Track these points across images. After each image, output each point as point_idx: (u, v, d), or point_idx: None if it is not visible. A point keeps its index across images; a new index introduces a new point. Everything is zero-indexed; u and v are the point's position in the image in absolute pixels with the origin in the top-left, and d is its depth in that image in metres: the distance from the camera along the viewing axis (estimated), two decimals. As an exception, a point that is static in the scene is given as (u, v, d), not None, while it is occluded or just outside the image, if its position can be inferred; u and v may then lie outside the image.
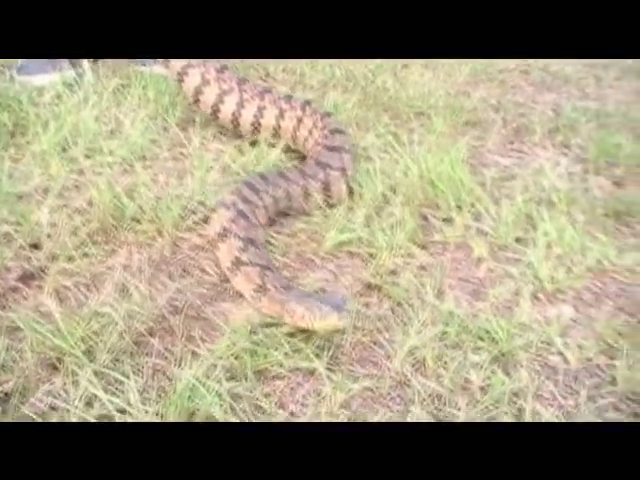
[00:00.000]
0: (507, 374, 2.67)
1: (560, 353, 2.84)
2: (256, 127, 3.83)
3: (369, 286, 3.06)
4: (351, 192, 3.63)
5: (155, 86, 4.31)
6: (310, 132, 3.91)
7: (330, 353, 2.60)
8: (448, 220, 3.51)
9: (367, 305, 2.95)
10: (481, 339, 2.80)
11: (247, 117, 3.82)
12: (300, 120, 3.96)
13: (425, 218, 3.55)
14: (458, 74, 5.35)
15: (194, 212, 3.28)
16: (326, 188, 3.55)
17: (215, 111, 3.80)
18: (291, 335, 2.63)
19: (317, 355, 2.58)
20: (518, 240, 3.44)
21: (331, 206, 3.54)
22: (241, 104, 3.77)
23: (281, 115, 3.97)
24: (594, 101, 5.36)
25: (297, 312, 2.46)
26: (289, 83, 4.95)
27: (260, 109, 3.93)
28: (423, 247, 3.35)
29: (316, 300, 2.45)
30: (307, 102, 4.07)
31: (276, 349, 2.56)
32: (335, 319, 2.40)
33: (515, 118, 4.82)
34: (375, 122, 4.38)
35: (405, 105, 4.71)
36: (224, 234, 2.99)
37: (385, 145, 4.12)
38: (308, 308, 2.42)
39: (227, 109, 3.79)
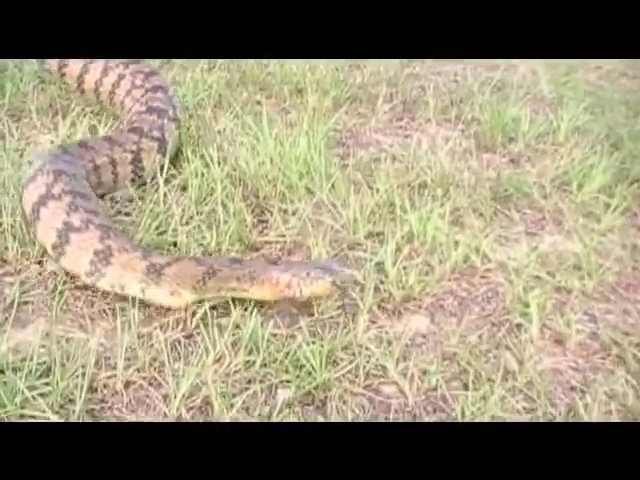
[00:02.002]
0: (322, 414, 1.91)
1: (395, 382, 2.05)
2: (80, 83, 3.52)
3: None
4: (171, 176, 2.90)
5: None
6: (129, 92, 3.28)
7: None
8: (293, 213, 2.71)
9: (161, 328, 2.17)
10: (290, 369, 2.02)
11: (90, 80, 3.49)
12: (121, 77, 3.36)
13: (265, 212, 2.75)
14: (352, 46, 4.50)
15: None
16: (137, 159, 2.84)
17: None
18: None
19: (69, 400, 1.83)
20: (371, 235, 2.66)
21: (142, 184, 2.86)
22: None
23: (105, 73, 3.41)
24: (504, 71, 4.54)
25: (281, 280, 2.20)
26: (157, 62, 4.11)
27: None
28: (253, 249, 2.56)
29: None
30: (136, 62, 3.41)
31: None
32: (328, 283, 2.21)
33: (409, 92, 3.99)
34: (240, 102, 3.55)
35: (282, 82, 3.88)
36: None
37: (243, 127, 3.29)
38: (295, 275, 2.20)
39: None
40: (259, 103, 3.81)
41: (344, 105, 3.86)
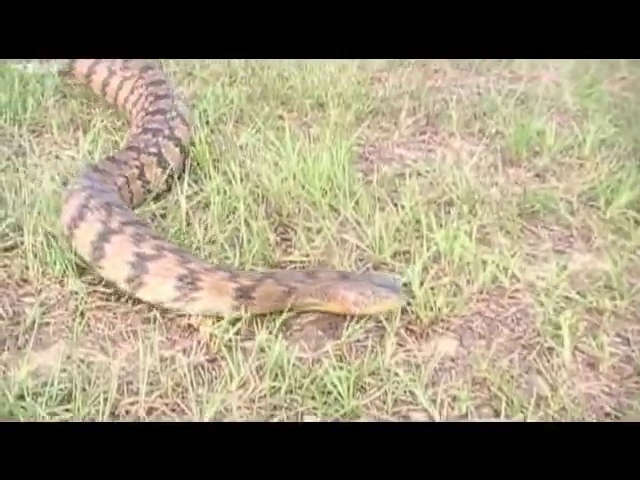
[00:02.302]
0: (350, 442, 1.83)
1: (425, 409, 1.98)
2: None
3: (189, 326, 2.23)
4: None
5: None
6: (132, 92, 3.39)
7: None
8: (317, 231, 2.65)
9: (184, 352, 2.12)
10: (317, 396, 1.96)
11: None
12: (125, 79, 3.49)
13: (288, 230, 2.69)
14: (373, 60, 4.44)
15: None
16: (142, 175, 2.89)
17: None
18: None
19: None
20: (397, 255, 2.59)
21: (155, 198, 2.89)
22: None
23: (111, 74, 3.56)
24: (527, 83, 4.46)
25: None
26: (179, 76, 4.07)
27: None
28: (277, 268, 2.50)
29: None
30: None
31: None
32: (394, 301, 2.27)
33: (432, 105, 3.92)
34: (261, 116, 3.51)
35: (304, 96, 3.82)
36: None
37: (265, 143, 3.23)
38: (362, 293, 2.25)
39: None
40: (281, 117, 3.75)
41: (366, 119, 3.78)
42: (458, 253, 2.57)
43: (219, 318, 2.26)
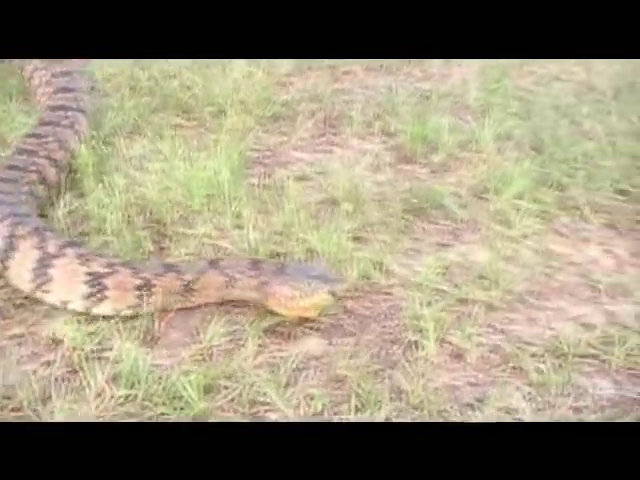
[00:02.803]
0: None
1: (280, 409, 1.95)
2: None
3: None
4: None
5: None
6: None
7: None
8: (195, 238, 2.62)
9: (48, 364, 2.08)
10: (167, 401, 1.92)
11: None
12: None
13: (165, 238, 2.65)
14: (281, 65, 4.42)
15: None
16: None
17: None
18: None
19: None
20: (272, 257, 2.55)
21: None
22: None
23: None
24: (436, 81, 4.47)
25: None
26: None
27: None
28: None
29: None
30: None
31: None
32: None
33: (333, 108, 3.90)
34: (156, 126, 3.46)
35: (205, 104, 3.78)
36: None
37: (155, 152, 3.19)
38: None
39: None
40: (180, 126, 3.69)
41: (267, 124, 3.75)
42: (333, 252, 2.54)
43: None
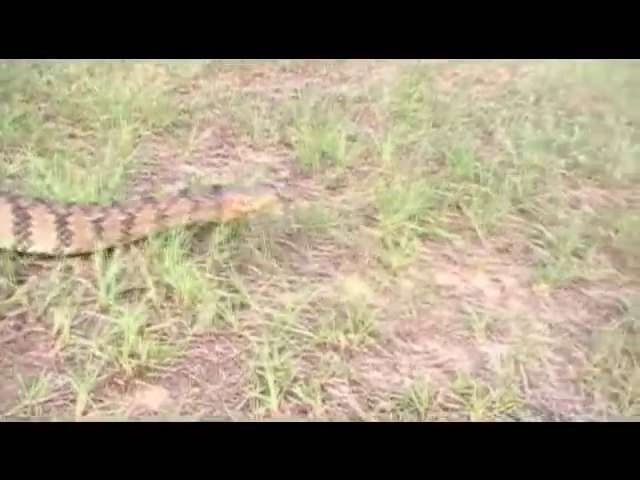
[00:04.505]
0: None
1: None
2: None
3: None
4: None
5: None
6: None
7: None
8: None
9: None
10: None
11: None
12: None
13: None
14: (190, 65, 4.16)
15: None
16: None
17: None
18: None
19: None
20: (123, 295, 2.32)
21: None
22: None
23: None
24: (352, 83, 4.23)
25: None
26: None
27: None
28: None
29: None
30: None
31: None
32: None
33: (238, 115, 3.66)
34: (39, 138, 3.20)
35: (100, 111, 3.52)
36: None
37: (35, 169, 2.94)
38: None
39: None
40: (73, 137, 3.44)
41: (164, 134, 3.50)
42: (187, 290, 2.31)
43: None
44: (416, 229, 2.90)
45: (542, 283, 2.70)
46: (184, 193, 2.60)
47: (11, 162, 3.09)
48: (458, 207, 3.09)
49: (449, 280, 2.70)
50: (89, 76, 3.88)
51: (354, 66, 4.55)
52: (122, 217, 2.46)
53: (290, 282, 2.57)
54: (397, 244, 2.79)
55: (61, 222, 2.38)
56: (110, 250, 2.46)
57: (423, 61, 4.47)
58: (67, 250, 2.43)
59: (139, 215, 2.48)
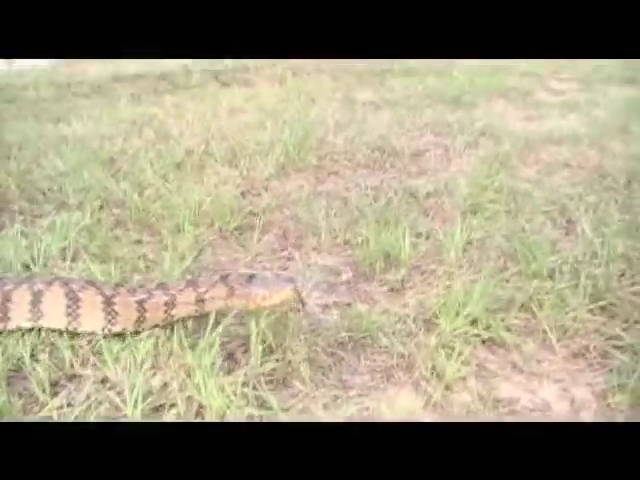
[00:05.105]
0: None
1: None
2: None
3: None
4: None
5: None
6: None
7: None
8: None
9: None
10: None
11: None
12: None
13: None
14: (263, 166, 4.12)
15: None
16: None
17: None
18: None
19: None
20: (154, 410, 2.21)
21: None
22: None
23: None
24: (430, 178, 4.06)
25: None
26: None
27: None
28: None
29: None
30: None
31: None
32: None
33: (305, 215, 3.55)
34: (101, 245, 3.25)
35: (170, 216, 3.52)
36: None
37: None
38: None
39: None
40: (139, 243, 3.43)
41: (230, 237, 3.44)
42: (219, 406, 2.16)
43: None
44: (479, 334, 2.62)
45: (618, 394, 2.35)
46: (224, 278, 2.59)
47: (72, 270, 3.05)
48: (529, 308, 2.78)
49: (511, 392, 2.41)
50: (163, 182, 3.87)
51: (433, 158, 4.36)
52: (165, 298, 2.52)
53: (335, 397, 2.35)
54: (454, 351, 2.52)
55: (108, 303, 2.47)
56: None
57: (504, 148, 4.23)
58: (114, 329, 2.51)
59: (180, 297, 2.54)
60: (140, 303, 2.51)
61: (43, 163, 4.13)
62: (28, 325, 2.55)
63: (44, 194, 3.85)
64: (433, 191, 3.85)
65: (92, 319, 2.50)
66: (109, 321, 2.51)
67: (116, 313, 2.50)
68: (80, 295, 2.49)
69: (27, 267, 3.03)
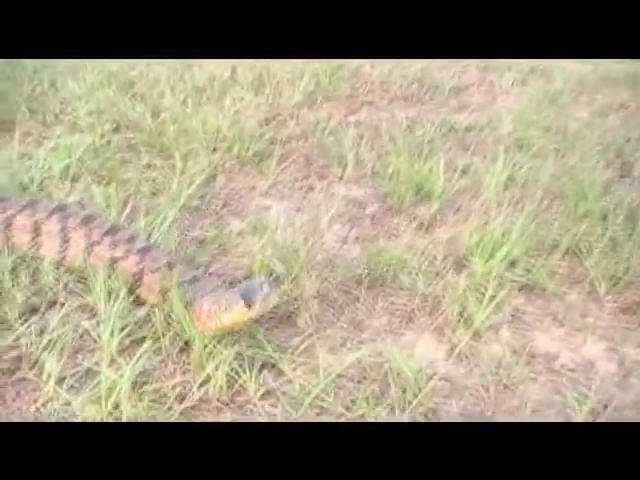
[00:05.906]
0: None
1: None
2: None
3: None
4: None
5: None
6: None
7: None
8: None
9: None
10: None
11: None
12: None
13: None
14: (291, 94, 3.72)
15: None
16: None
17: None
18: None
19: None
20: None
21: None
22: None
23: None
24: (474, 113, 3.64)
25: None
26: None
27: None
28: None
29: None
30: None
31: None
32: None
33: (333, 146, 3.17)
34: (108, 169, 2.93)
35: (185, 140, 3.16)
36: None
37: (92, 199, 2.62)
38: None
39: None
40: (149, 167, 3.08)
41: (248, 165, 3.07)
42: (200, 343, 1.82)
43: None
44: (516, 279, 2.23)
45: (676, 356, 1.96)
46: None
47: (71, 191, 2.73)
48: (575, 253, 2.38)
49: (550, 347, 2.02)
50: (181, 106, 3.50)
51: (477, 94, 3.91)
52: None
53: (343, 339, 2.00)
54: (486, 296, 2.13)
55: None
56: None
57: (555, 87, 3.77)
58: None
59: None
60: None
61: (59, 86, 3.79)
62: None
63: (56, 116, 3.52)
64: (475, 125, 3.42)
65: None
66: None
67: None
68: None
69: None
